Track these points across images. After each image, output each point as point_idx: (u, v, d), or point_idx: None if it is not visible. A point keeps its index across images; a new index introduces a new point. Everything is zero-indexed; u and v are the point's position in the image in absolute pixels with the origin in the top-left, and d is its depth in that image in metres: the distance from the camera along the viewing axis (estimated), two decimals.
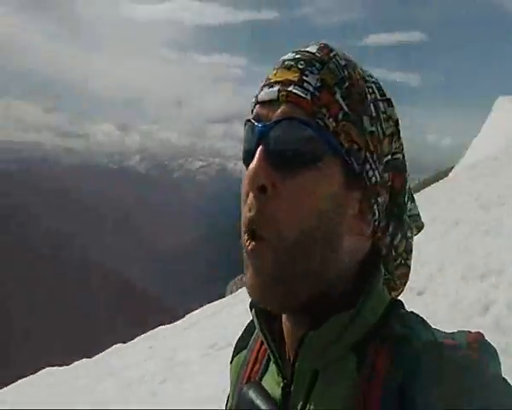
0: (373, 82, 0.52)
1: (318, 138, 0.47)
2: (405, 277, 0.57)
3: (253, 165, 0.48)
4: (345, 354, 0.49)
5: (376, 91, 0.52)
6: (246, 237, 0.50)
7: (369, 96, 0.51)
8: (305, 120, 0.48)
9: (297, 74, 0.49)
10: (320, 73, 0.50)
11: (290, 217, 0.47)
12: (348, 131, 0.48)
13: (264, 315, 0.54)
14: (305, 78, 0.49)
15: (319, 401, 0.49)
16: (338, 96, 0.48)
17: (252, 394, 0.54)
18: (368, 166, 0.49)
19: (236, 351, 0.65)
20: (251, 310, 0.56)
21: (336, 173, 0.48)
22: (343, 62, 0.51)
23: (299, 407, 0.50)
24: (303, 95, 0.48)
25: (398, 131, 0.53)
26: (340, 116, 0.48)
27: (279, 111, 0.49)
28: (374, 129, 0.50)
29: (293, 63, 0.51)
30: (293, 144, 0.47)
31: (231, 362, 0.66)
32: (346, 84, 0.49)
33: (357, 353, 0.48)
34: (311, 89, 0.49)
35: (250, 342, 0.63)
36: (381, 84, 0.53)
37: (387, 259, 0.55)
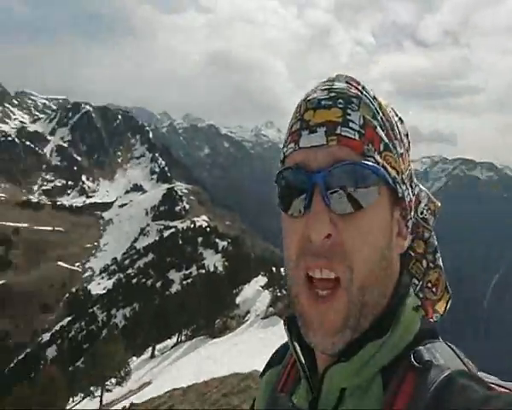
0: (387, 105, 0.55)
1: (374, 175, 0.49)
2: (438, 282, 0.56)
3: (314, 215, 0.48)
4: (372, 376, 0.50)
5: (394, 114, 0.55)
6: (307, 287, 0.51)
7: (393, 120, 0.54)
8: (359, 160, 0.49)
9: (339, 114, 0.50)
10: (359, 109, 0.50)
11: (359, 254, 0.48)
12: (389, 159, 0.51)
13: (297, 332, 0.55)
14: (348, 117, 0.49)
15: None
16: (378, 129, 0.51)
17: (279, 406, 0.56)
18: (404, 187, 0.53)
19: (270, 365, 0.67)
20: (285, 326, 0.58)
21: (387, 203, 0.51)
22: (372, 94, 0.53)
23: None
24: (352, 136, 0.49)
25: (409, 145, 0.57)
26: (382, 148, 0.51)
27: (329, 155, 0.49)
28: (402, 151, 0.53)
29: (331, 103, 0.50)
30: (352, 186, 0.48)
31: (262, 376, 0.68)
32: (380, 114, 0.52)
33: (384, 377, 0.49)
34: (356, 128, 0.49)
35: (286, 357, 0.65)
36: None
37: (411, 267, 0.56)
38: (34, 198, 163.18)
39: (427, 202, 0.61)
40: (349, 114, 0.50)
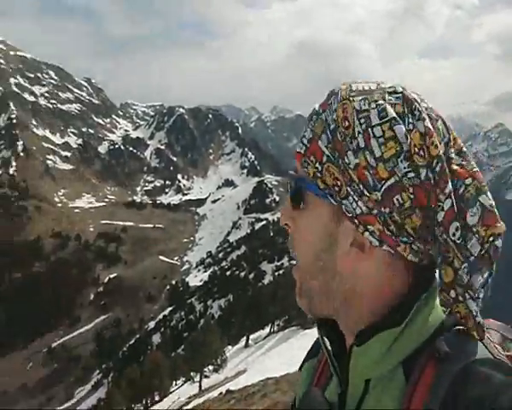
0: (375, 107, 0.52)
1: (302, 186, 0.55)
2: (467, 318, 0.54)
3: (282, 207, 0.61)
4: (394, 367, 0.52)
5: (374, 118, 0.52)
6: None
7: (357, 128, 0.52)
8: (294, 172, 0.57)
9: (304, 132, 0.57)
10: (313, 125, 0.55)
11: (299, 248, 0.57)
12: (332, 171, 0.53)
13: (326, 326, 0.60)
14: (304, 133, 0.57)
15: None
16: (320, 142, 0.54)
17: (311, 398, 0.59)
18: (351, 199, 0.52)
19: (307, 358, 0.71)
20: (316, 325, 0.62)
21: (323, 211, 0.54)
22: (335, 106, 0.54)
23: None
24: (299, 150, 0.56)
25: (407, 150, 0.51)
26: (324, 159, 0.53)
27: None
28: (358, 161, 0.52)
29: (307, 121, 0.58)
30: (292, 194, 0.57)
31: (300, 368, 0.71)
32: (332, 126, 0.53)
33: (406, 368, 0.52)
34: (305, 142, 0.55)
35: (321, 351, 0.68)
36: (393, 102, 0.52)
37: (441, 267, 0.55)
38: (137, 198, 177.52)
39: (475, 221, 0.51)
40: (305, 131, 0.56)
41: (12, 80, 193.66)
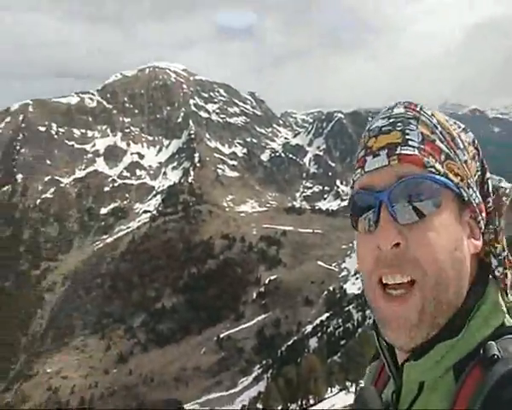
0: (446, 118, 0.61)
1: (435, 185, 0.55)
2: None
3: (382, 228, 0.55)
4: (446, 371, 0.54)
5: (456, 126, 0.61)
6: (382, 291, 0.56)
7: (454, 132, 0.59)
8: (420, 173, 0.55)
9: (399, 136, 0.56)
10: (418, 128, 0.57)
11: (427, 257, 0.53)
12: (452, 167, 0.56)
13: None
14: (407, 137, 0.56)
15: None
16: (437, 142, 0.57)
17: (366, 396, 0.61)
18: (471, 191, 0.57)
19: (373, 359, 0.74)
20: (373, 329, 0.63)
21: (452, 208, 0.56)
22: (429, 112, 0.59)
23: None
24: (411, 152, 0.55)
25: (478, 151, 0.61)
26: (443, 158, 0.56)
27: (392, 174, 0.55)
28: (466, 157, 0.58)
29: (390, 127, 0.57)
30: (415, 197, 0.54)
31: (367, 370, 0.75)
32: (439, 129, 0.58)
33: (456, 370, 0.54)
34: (416, 145, 0.56)
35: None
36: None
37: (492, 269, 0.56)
38: (297, 204, 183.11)
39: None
40: (408, 134, 0.56)
41: (191, 102, 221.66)
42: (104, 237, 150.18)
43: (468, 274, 0.56)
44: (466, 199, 0.56)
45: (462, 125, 0.61)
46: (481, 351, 0.51)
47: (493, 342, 0.51)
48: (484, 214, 0.58)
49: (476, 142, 0.60)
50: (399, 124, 0.57)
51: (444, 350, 0.54)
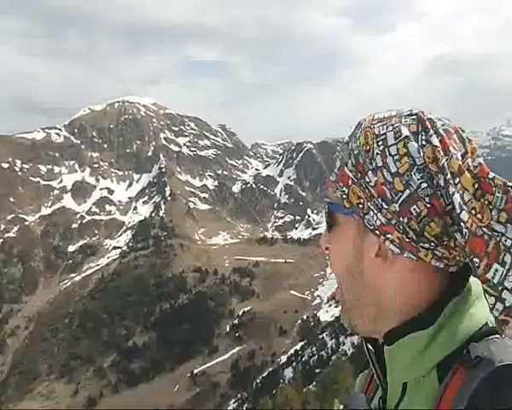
0: (392, 129, 0.59)
1: (333, 209, 0.65)
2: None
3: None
4: (429, 371, 0.56)
5: (390, 138, 0.59)
6: None
7: (376, 149, 0.59)
8: (328, 198, 0.66)
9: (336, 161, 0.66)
10: (341, 153, 0.64)
11: (334, 266, 0.67)
12: (356, 191, 0.61)
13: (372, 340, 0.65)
14: (336, 162, 0.65)
15: None
16: (346, 168, 0.62)
17: (354, 401, 0.66)
18: (371, 213, 0.59)
19: (363, 368, 0.77)
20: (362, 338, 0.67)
21: (351, 229, 0.63)
22: (359, 133, 0.62)
23: None
24: (332, 178, 0.65)
25: (420, 163, 0.57)
26: (350, 182, 0.62)
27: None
28: (377, 178, 0.59)
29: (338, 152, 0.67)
30: (326, 218, 0.67)
31: (357, 378, 0.79)
32: (355, 152, 0.61)
33: (440, 372, 0.55)
34: (336, 170, 0.65)
35: None
36: (409, 123, 0.59)
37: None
38: (269, 234, 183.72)
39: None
40: (336, 160, 0.65)
41: (162, 135, 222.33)
42: (72, 275, 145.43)
43: (393, 281, 0.60)
44: (365, 221, 0.61)
45: (405, 134, 0.58)
46: (465, 352, 0.53)
47: (476, 344, 0.53)
48: (393, 236, 0.58)
49: (413, 153, 0.57)
50: (338, 150, 0.65)
51: (418, 343, 0.56)
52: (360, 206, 0.60)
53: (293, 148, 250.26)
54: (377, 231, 0.59)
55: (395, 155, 0.58)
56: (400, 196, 0.57)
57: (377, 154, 0.59)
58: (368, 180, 0.60)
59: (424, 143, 0.57)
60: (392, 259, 0.59)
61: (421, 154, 0.56)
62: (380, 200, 0.58)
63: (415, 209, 0.56)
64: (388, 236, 0.58)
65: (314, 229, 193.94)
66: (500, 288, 0.50)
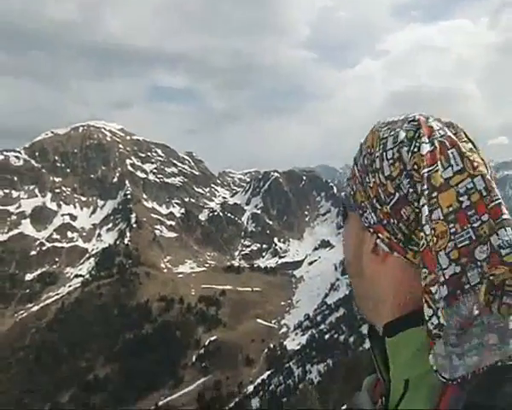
0: (392, 134, 0.64)
1: (344, 203, 0.75)
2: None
3: None
4: (430, 368, 0.55)
5: (389, 143, 0.64)
6: None
7: (377, 152, 0.65)
8: (343, 195, 0.75)
9: None
10: (357, 153, 0.70)
11: (345, 253, 0.75)
12: (359, 190, 0.67)
13: (377, 338, 0.69)
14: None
15: None
16: (356, 167, 0.69)
17: (359, 399, 0.70)
18: (367, 212, 0.66)
19: (372, 372, 0.77)
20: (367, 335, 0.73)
21: (355, 223, 0.70)
22: (369, 136, 0.69)
23: None
24: (348, 176, 0.73)
25: (410, 169, 0.60)
26: (357, 181, 0.68)
27: None
28: (374, 179, 0.64)
29: None
30: (341, 212, 0.78)
31: (364, 381, 0.80)
32: (363, 153, 0.68)
33: None
34: (351, 168, 0.72)
35: None
36: (407, 129, 0.63)
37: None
38: (236, 263, 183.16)
39: (482, 258, 0.55)
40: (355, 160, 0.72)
41: (128, 161, 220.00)
42: (29, 305, 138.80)
43: (385, 275, 0.65)
44: (362, 219, 0.67)
45: (401, 139, 0.62)
46: None
47: None
48: (383, 236, 0.64)
49: (404, 158, 0.61)
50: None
51: (417, 338, 0.57)
52: (362, 204, 0.67)
53: (260, 176, 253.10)
54: (371, 230, 0.65)
55: (390, 158, 0.62)
56: (392, 199, 0.61)
57: (377, 156, 0.64)
58: (367, 181, 0.65)
59: (416, 150, 0.59)
60: (383, 256, 0.64)
61: (411, 160, 0.60)
62: (375, 200, 0.64)
63: (404, 213, 0.60)
64: (380, 235, 0.64)
65: (281, 257, 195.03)
66: (437, 305, 0.53)
